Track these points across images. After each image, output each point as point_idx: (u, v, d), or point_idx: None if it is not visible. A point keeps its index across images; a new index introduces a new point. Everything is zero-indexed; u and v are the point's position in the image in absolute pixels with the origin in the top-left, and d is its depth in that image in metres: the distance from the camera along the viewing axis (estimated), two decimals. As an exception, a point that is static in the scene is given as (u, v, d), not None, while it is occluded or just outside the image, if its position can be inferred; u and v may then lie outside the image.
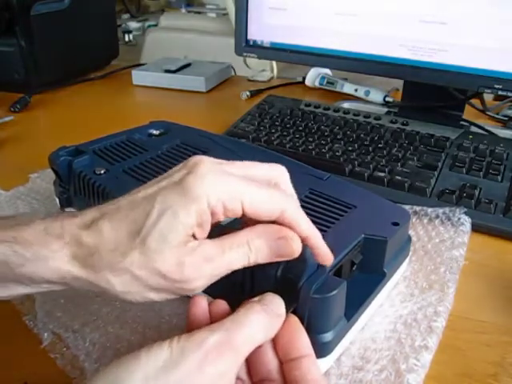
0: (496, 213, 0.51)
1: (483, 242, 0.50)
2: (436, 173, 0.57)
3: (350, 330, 0.34)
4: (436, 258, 0.46)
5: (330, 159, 0.61)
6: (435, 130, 0.66)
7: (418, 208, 0.52)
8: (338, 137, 0.66)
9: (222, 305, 0.30)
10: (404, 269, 0.43)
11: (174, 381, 0.24)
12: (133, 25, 3.03)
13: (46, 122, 0.87)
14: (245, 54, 0.81)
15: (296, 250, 0.29)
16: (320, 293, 0.30)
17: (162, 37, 2.16)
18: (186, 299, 0.30)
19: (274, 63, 1.18)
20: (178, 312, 0.39)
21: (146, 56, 2.07)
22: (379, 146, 0.64)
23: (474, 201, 0.52)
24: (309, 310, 0.30)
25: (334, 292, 0.30)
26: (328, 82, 0.95)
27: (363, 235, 0.36)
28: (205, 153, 0.48)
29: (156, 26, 2.63)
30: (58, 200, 0.49)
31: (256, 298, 0.28)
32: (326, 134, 0.67)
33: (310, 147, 0.63)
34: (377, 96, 0.87)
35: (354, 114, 0.73)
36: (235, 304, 0.29)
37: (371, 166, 0.59)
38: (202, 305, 0.29)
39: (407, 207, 0.51)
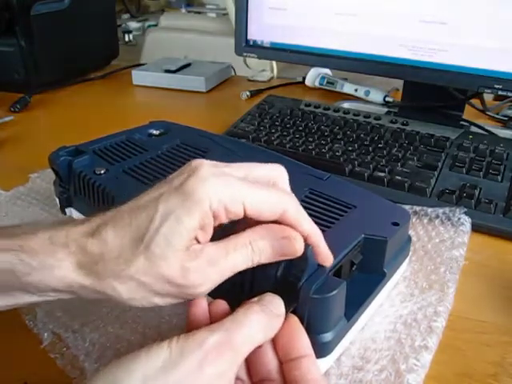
0: (496, 213, 0.51)
1: (483, 242, 0.50)
2: (436, 173, 0.57)
3: (349, 330, 0.34)
4: (436, 258, 0.46)
5: (329, 159, 0.61)
6: (435, 130, 0.66)
7: (418, 208, 0.52)
8: (338, 137, 0.66)
9: (221, 305, 0.30)
10: (404, 269, 0.43)
11: (173, 381, 0.24)
12: (133, 25, 3.03)
13: (46, 122, 0.87)
14: (245, 54, 0.81)
15: (299, 249, 0.29)
16: (320, 293, 0.29)
17: (162, 37, 2.16)
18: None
19: (274, 63, 1.18)
20: (177, 312, 0.39)
21: (146, 56, 2.07)
22: (379, 146, 0.64)
23: (474, 201, 0.52)
24: (309, 310, 0.30)
25: (334, 292, 0.30)
26: (328, 82, 0.95)
27: (363, 235, 0.36)
28: (205, 153, 0.48)
29: (156, 26, 2.63)
30: (58, 200, 0.49)
31: (255, 299, 0.28)
32: (325, 133, 0.67)
33: (310, 147, 0.63)
34: (377, 96, 0.87)
35: (354, 114, 0.73)
36: (235, 304, 0.29)
37: (371, 165, 0.59)
38: (201, 305, 0.29)
39: (407, 207, 0.51)
